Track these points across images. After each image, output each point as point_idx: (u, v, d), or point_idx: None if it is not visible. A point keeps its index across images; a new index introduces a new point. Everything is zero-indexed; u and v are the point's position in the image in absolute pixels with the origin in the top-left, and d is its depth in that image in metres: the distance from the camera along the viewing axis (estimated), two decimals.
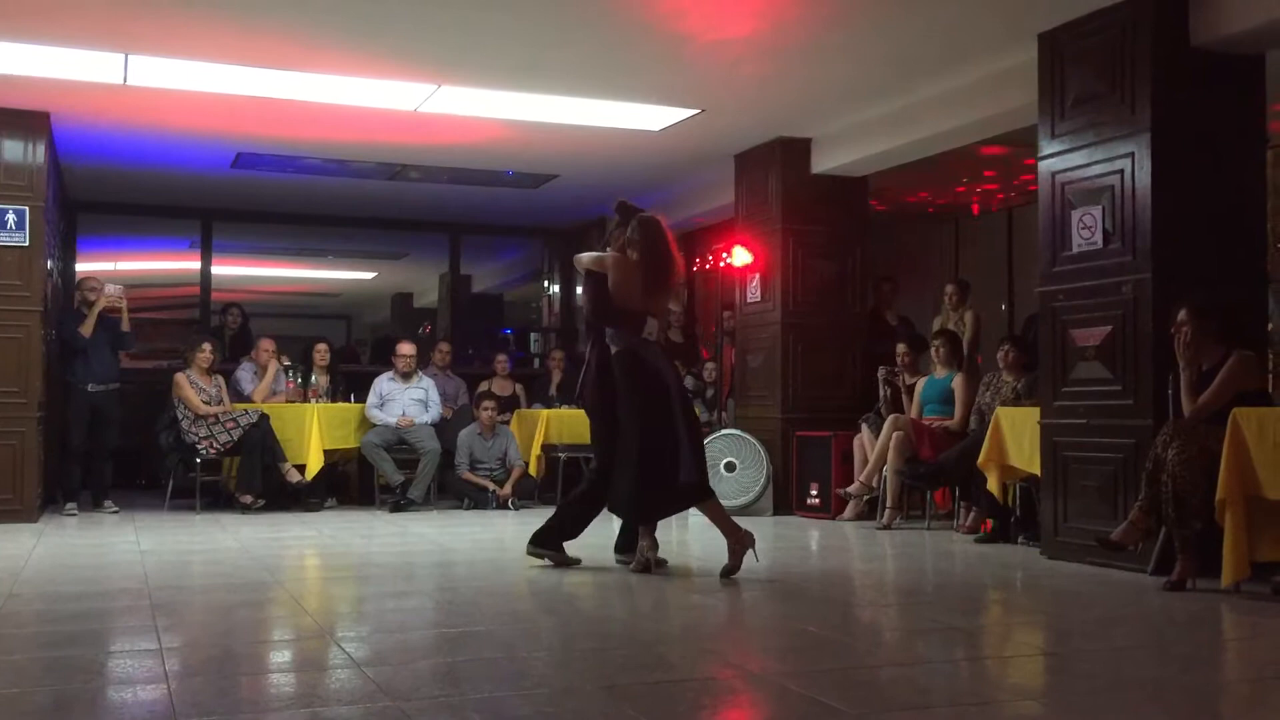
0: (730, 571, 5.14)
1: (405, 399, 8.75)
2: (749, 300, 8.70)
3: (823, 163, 8.31)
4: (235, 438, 8.10)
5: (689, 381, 9.87)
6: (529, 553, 5.51)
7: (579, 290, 11.89)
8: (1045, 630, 4.34)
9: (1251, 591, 4.61)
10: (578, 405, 5.84)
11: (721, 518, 5.23)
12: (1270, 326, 6.09)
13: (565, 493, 8.70)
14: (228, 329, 10.45)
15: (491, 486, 8.46)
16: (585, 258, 5.51)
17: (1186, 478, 4.68)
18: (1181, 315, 4.95)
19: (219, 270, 12.02)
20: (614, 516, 5.73)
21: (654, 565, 5.30)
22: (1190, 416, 4.87)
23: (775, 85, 7.14)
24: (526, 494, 8.62)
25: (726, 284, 9.73)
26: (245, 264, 14.24)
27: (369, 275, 15.99)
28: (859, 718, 2.82)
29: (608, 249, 5.49)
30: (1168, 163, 5.32)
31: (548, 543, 5.49)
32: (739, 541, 5.19)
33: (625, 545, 5.55)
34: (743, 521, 5.71)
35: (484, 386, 9.54)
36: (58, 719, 2.86)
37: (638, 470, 5.14)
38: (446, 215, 11.65)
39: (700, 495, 5.26)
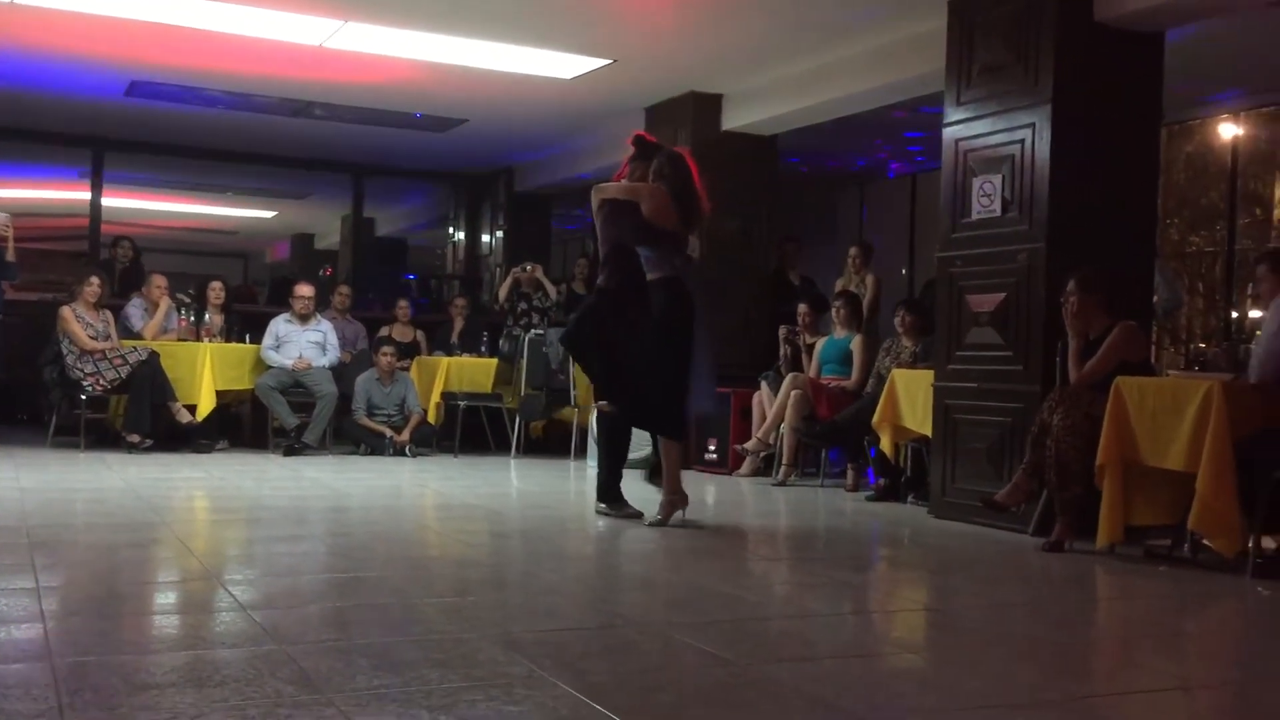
0: (657, 524, 5.20)
1: (302, 341, 8.58)
2: None
3: (733, 119, 8.32)
4: (123, 375, 7.87)
5: None
6: (598, 511, 5.54)
7: (500, 234, 11.77)
8: (929, 587, 4.46)
9: (1125, 554, 4.79)
10: (565, 342, 5.74)
11: (675, 472, 5.29)
12: (1155, 299, 6.29)
13: (464, 441, 8.67)
14: (118, 263, 10.12)
15: (389, 433, 8.37)
16: (612, 187, 5.45)
17: (1070, 443, 4.83)
18: (1070, 286, 5.08)
19: (110, 202, 11.64)
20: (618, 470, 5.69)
21: (674, 516, 5.31)
22: (1075, 384, 5.02)
23: (689, 39, 7.11)
24: (424, 441, 8.55)
25: None
26: (139, 197, 13.79)
27: (269, 214, 15.61)
28: (746, 668, 2.87)
29: (624, 181, 5.45)
30: (1066, 135, 5.44)
31: (609, 498, 5.52)
32: (677, 501, 5.26)
33: (609, 496, 5.55)
34: (641, 474, 5.76)
35: (384, 332, 9.41)
36: None
37: (678, 388, 5.18)
38: (351, 156, 11.42)
39: (683, 432, 5.39)
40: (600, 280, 5.49)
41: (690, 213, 5.31)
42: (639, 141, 5.54)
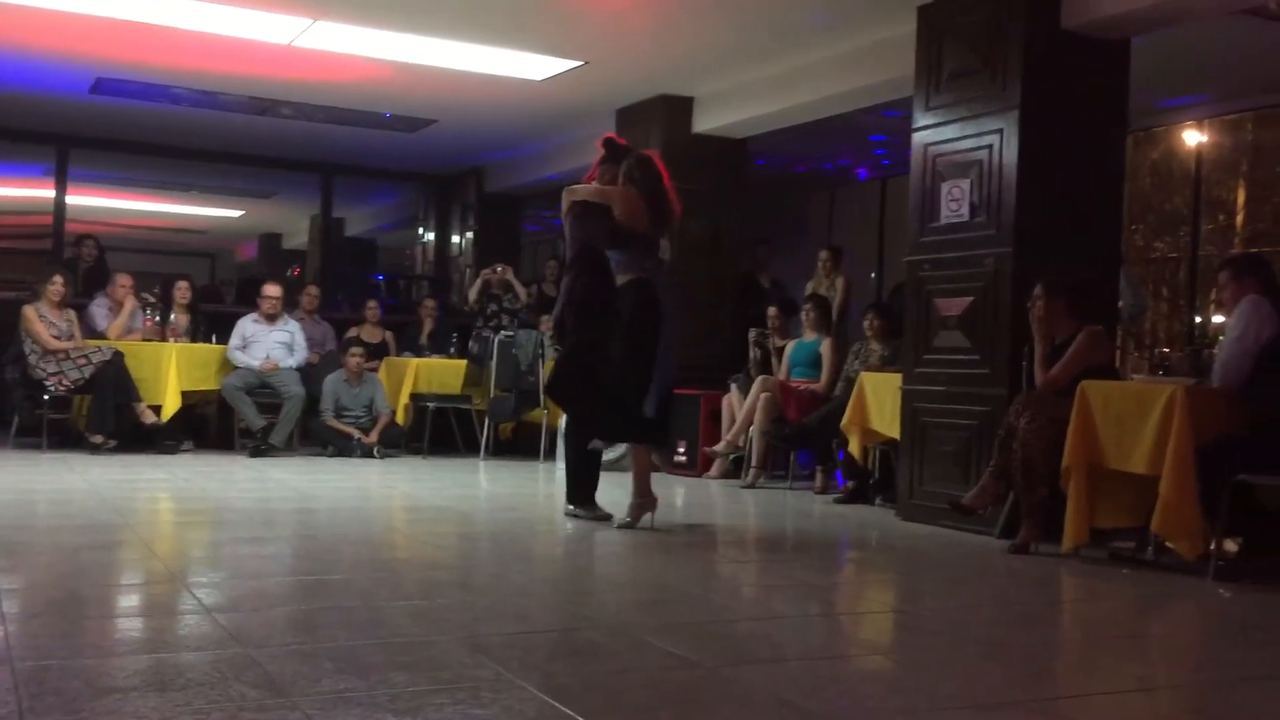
0: (626, 526, 5.20)
1: (269, 342, 8.52)
2: None
3: (704, 122, 8.34)
4: (87, 375, 7.78)
5: None
6: (566, 513, 5.50)
7: (469, 235, 11.74)
8: (896, 589, 4.49)
9: (1089, 556, 4.84)
10: (554, 341, 5.72)
11: (644, 474, 5.28)
12: (1121, 304, 6.35)
13: (432, 443, 8.63)
14: (82, 262, 10.01)
15: (357, 434, 8.32)
16: (583, 189, 5.44)
17: (1036, 446, 4.87)
18: (1036, 291, 5.13)
19: (75, 200, 11.51)
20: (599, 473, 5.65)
21: (643, 519, 5.29)
22: (1041, 388, 5.06)
23: (660, 42, 7.12)
24: (393, 443, 8.51)
25: None
26: (104, 195, 13.64)
27: (236, 213, 15.49)
28: (714, 670, 2.88)
29: (594, 183, 5.44)
30: (1034, 141, 5.48)
31: (580, 500, 5.48)
32: (646, 503, 5.25)
33: (578, 497, 5.51)
34: (611, 476, 5.76)
35: (353, 333, 9.36)
36: None
37: (631, 395, 5.16)
38: (319, 155, 11.35)
39: (658, 437, 5.42)
40: (565, 283, 5.47)
41: (661, 215, 5.31)
42: (609, 144, 5.54)
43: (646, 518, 5.26)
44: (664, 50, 7.31)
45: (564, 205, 5.47)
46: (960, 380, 5.71)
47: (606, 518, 5.38)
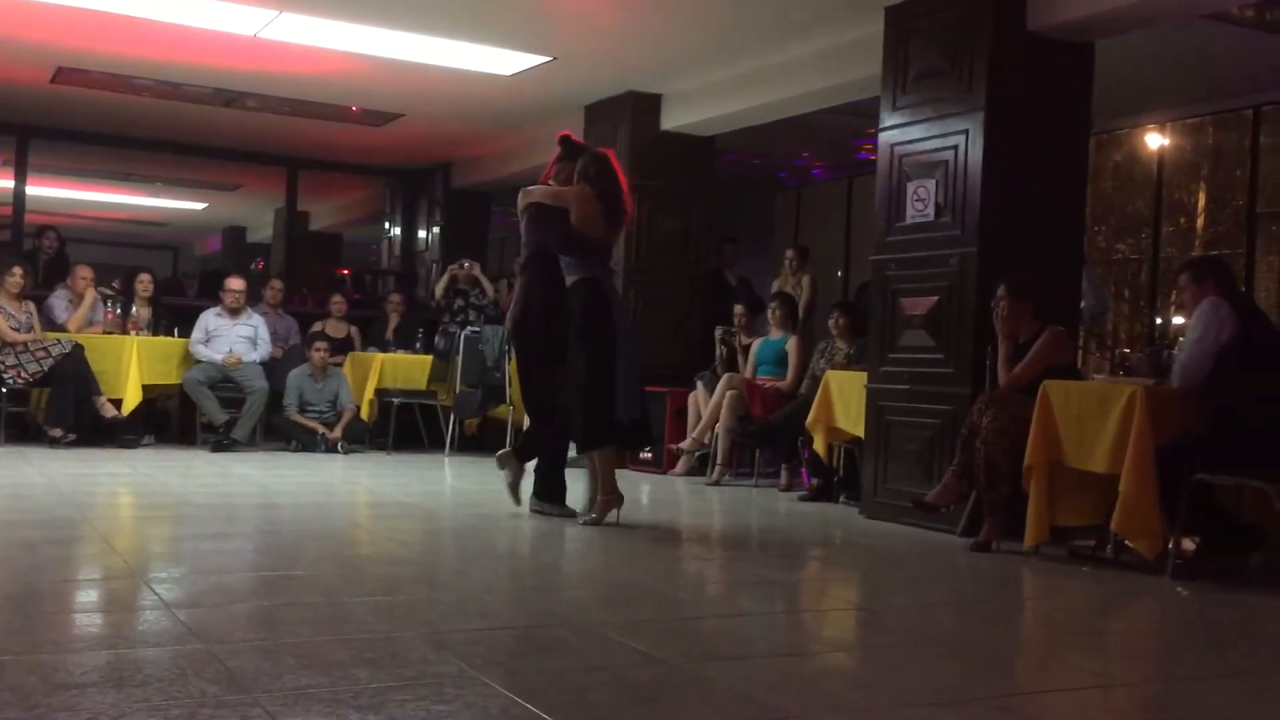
0: (591, 523, 5.18)
1: (233, 336, 8.45)
2: None
3: (672, 120, 8.34)
4: (46, 368, 7.69)
5: None
6: (533, 509, 5.45)
7: (436, 230, 11.68)
8: (860, 586, 4.51)
9: (1050, 554, 4.88)
10: (512, 342, 5.69)
11: (609, 471, 5.26)
12: (1083, 304, 6.41)
13: (397, 439, 8.59)
14: (42, 253, 9.88)
15: (321, 429, 8.27)
16: (538, 190, 5.40)
17: (998, 445, 4.90)
18: (1000, 291, 5.17)
19: (35, 191, 11.34)
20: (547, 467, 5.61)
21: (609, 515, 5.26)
22: (1004, 387, 5.10)
23: (628, 38, 7.11)
24: (357, 438, 8.46)
25: None
26: (65, 186, 13.46)
27: (200, 205, 15.33)
28: (678, 667, 2.88)
29: (551, 184, 5.42)
30: (999, 142, 5.52)
31: (546, 496, 5.44)
32: (612, 500, 5.23)
33: (546, 493, 5.48)
34: (577, 472, 5.74)
35: (318, 327, 9.30)
36: None
37: (587, 399, 5.14)
38: (285, 148, 11.25)
39: (641, 438, 5.47)
40: (520, 284, 5.45)
41: (615, 216, 5.28)
42: (565, 142, 5.52)
43: (612, 514, 5.26)
44: (633, 47, 7.30)
45: (520, 204, 5.45)
46: (924, 379, 5.74)
47: (571, 514, 5.38)
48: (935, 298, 5.71)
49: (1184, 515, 4.43)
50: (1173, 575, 4.42)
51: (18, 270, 7.95)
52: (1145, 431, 4.40)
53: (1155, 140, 8.82)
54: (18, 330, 7.76)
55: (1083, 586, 4.46)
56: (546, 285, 5.30)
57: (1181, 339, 5.06)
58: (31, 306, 8.02)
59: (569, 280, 5.25)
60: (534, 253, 5.37)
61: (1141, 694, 3.02)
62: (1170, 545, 4.47)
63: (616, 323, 5.21)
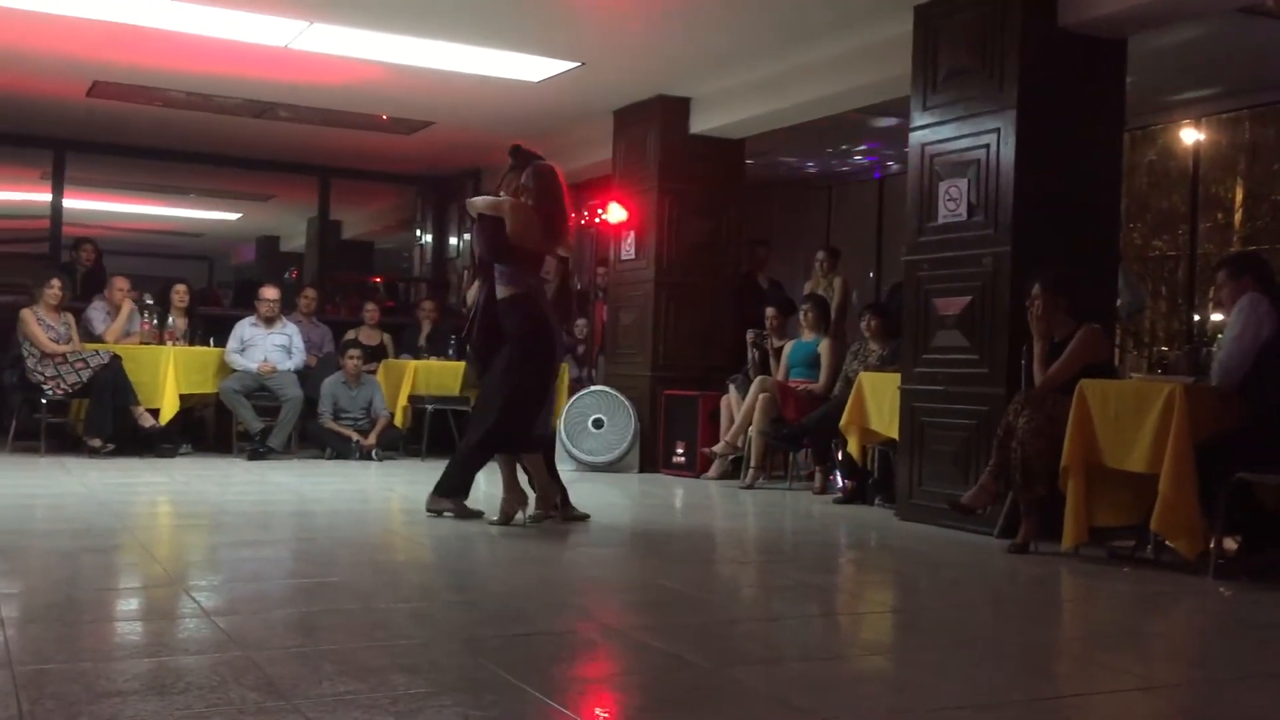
0: (498, 523, 5.23)
1: (267, 344, 8.51)
2: (623, 258, 8.70)
3: (701, 123, 8.33)
4: (84, 379, 7.78)
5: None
6: (429, 506, 5.43)
7: (466, 236, 11.72)
8: (895, 589, 4.49)
9: (1089, 555, 4.83)
10: (465, 348, 5.75)
11: (540, 469, 5.33)
12: (1119, 302, 6.35)
13: (431, 445, 8.62)
14: (80, 265, 10.00)
15: (355, 437, 8.32)
16: (480, 201, 5.42)
17: (1035, 445, 4.86)
18: (1034, 289, 5.12)
19: (72, 204, 11.48)
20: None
21: (516, 517, 5.28)
22: (1040, 387, 5.06)
23: (657, 43, 7.11)
24: (391, 445, 8.50)
25: (601, 240, 9.71)
26: (101, 198, 13.62)
27: (234, 216, 15.47)
28: (713, 671, 2.87)
29: (501, 193, 5.42)
30: (1031, 140, 5.48)
31: (450, 493, 5.41)
32: (544, 503, 5.31)
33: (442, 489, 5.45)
34: (609, 478, 5.76)
35: (351, 335, 9.36)
36: None
37: (504, 407, 5.13)
38: (317, 158, 11.33)
39: (547, 446, 5.42)
40: (477, 296, 5.44)
41: (556, 225, 5.27)
42: (515, 151, 5.50)
43: (519, 516, 5.30)
44: (661, 51, 7.30)
45: (470, 214, 5.47)
46: (959, 380, 5.71)
47: (477, 515, 5.39)
48: (969, 297, 5.67)
49: (1224, 514, 4.38)
50: (1214, 575, 4.37)
51: (56, 282, 8.05)
52: (1184, 430, 4.35)
53: (1190, 135, 8.72)
54: (57, 342, 7.86)
55: (1123, 587, 4.42)
56: (489, 296, 5.31)
57: (1220, 336, 5.00)
58: (70, 318, 8.12)
59: (503, 293, 5.22)
60: (481, 263, 5.40)
61: (1184, 696, 2.98)
62: (1211, 545, 4.42)
63: (554, 340, 5.23)
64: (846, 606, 4.16)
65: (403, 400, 8.63)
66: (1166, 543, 4.59)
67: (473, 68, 7.61)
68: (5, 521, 4.96)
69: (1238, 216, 8.76)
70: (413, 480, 7.22)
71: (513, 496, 5.29)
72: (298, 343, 8.71)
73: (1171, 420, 4.37)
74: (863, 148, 10.26)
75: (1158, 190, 9.09)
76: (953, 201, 5.77)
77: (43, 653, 2.82)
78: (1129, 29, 5.59)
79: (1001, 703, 2.71)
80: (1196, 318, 8.72)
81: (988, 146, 5.59)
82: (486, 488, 5.76)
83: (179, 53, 7.49)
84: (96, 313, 8.53)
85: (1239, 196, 8.73)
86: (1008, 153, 5.49)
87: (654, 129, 8.37)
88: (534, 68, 7.61)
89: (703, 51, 7.29)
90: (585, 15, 6.58)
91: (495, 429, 5.20)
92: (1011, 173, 5.47)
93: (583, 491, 5.40)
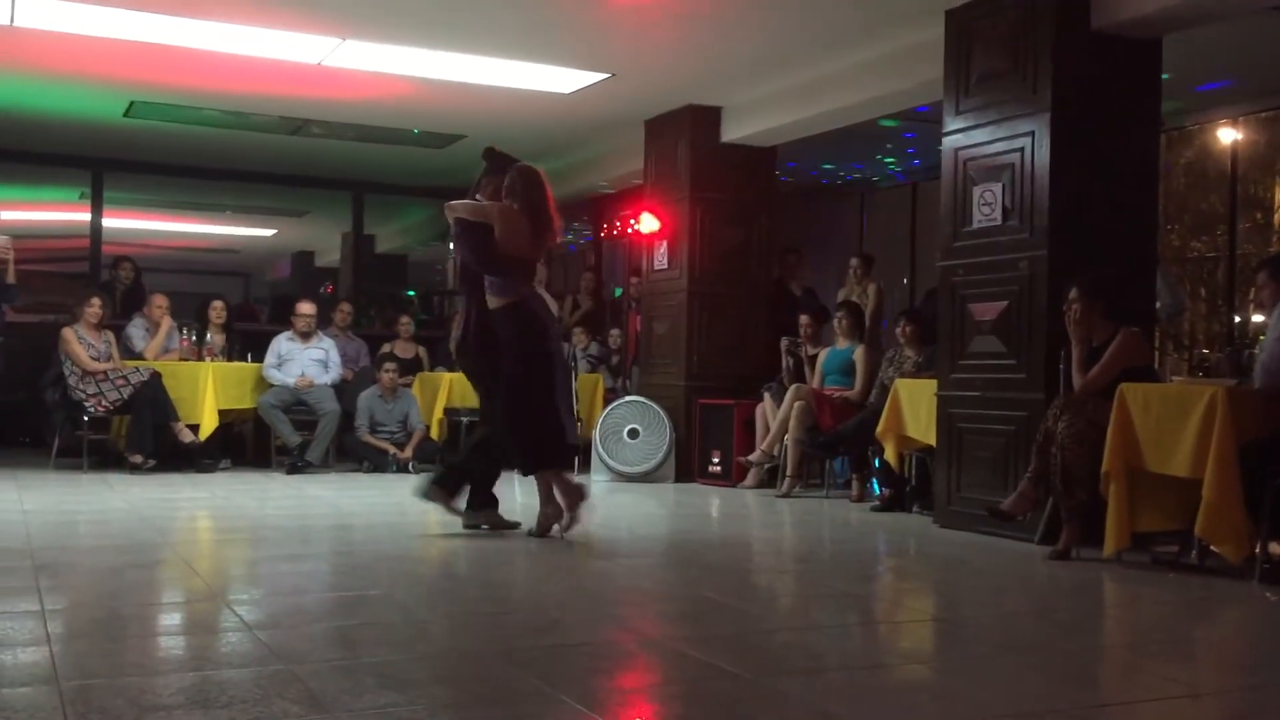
0: (539, 534, 5.20)
1: (304, 359, 8.58)
2: (656, 267, 8.71)
3: (732, 131, 8.33)
4: (125, 395, 7.87)
5: (594, 348, 9.88)
6: (416, 493, 5.35)
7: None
8: (936, 596, 4.45)
9: (1131, 561, 4.78)
10: (459, 363, 5.61)
11: (564, 483, 5.20)
12: (1158, 304, 6.29)
13: None
14: (119, 283, 10.12)
15: (392, 450, 8.36)
16: (461, 206, 5.24)
17: (1075, 450, 4.81)
18: (1072, 293, 5.08)
19: (110, 223, 11.65)
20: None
21: (553, 529, 5.25)
22: (1079, 391, 5.01)
23: (687, 52, 7.12)
24: (427, 457, 8.52)
25: (634, 250, 9.72)
26: (139, 217, 13.81)
27: (269, 232, 15.63)
28: (754, 681, 2.86)
29: (478, 197, 5.31)
30: (1066, 143, 5.43)
31: (438, 491, 5.31)
32: (558, 511, 5.21)
33: (473, 504, 5.41)
34: (645, 487, 5.75)
35: (386, 348, 9.41)
36: None
37: (519, 426, 5.05)
38: (350, 173, 11.44)
39: (571, 460, 5.31)
40: (463, 305, 5.36)
41: (544, 228, 5.12)
42: (490, 154, 5.37)
43: (556, 527, 5.25)
44: (691, 61, 7.31)
45: (449, 220, 5.29)
46: (996, 385, 5.66)
47: (457, 512, 5.32)
48: (1005, 302, 5.63)
49: (1270, 518, 4.32)
50: (1260, 580, 4.31)
51: (96, 301, 8.15)
52: (1227, 433, 4.29)
53: (1228, 135, 8.62)
54: (97, 360, 7.96)
55: (1167, 593, 4.36)
56: (477, 307, 5.17)
57: (1262, 338, 4.93)
58: (110, 336, 8.22)
59: (495, 303, 5.07)
60: (461, 272, 5.25)
61: (1233, 703, 2.94)
62: (1256, 549, 4.36)
63: (552, 347, 5.09)
64: (886, 615, 4.14)
65: (438, 413, 8.67)
66: (1211, 548, 4.52)
67: (504, 81, 7.66)
68: (50, 538, 5.03)
69: (1277, 216, 8.65)
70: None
71: (550, 509, 5.27)
72: (334, 357, 8.77)
73: (1214, 423, 4.32)
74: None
75: (1196, 191, 8.99)
76: (987, 206, 5.73)
77: (88, 668, 2.85)
78: (1163, 29, 5.54)
79: (1046, 711, 2.68)
80: (1237, 319, 8.61)
81: (1022, 150, 5.55)
82: (524, 498, 5.77)
83: (214, 72, 7.58)
84: (136, 330, 8.63)
85: (1278, 196, 8.62)
86: (1042, 156, 5.45)
87: (685, 138, 8.38)
88: (565, 79, 7.64)
89: (733, 60, 7.29)
90: (615, 26, 6.60)
91: (521, 455, 5.12)
92: (1047, 176, 5.43)
93: (619, 502, 5.40)
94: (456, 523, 5.45)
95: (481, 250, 5.07)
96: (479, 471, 5.38)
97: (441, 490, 5.31)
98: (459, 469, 5.39)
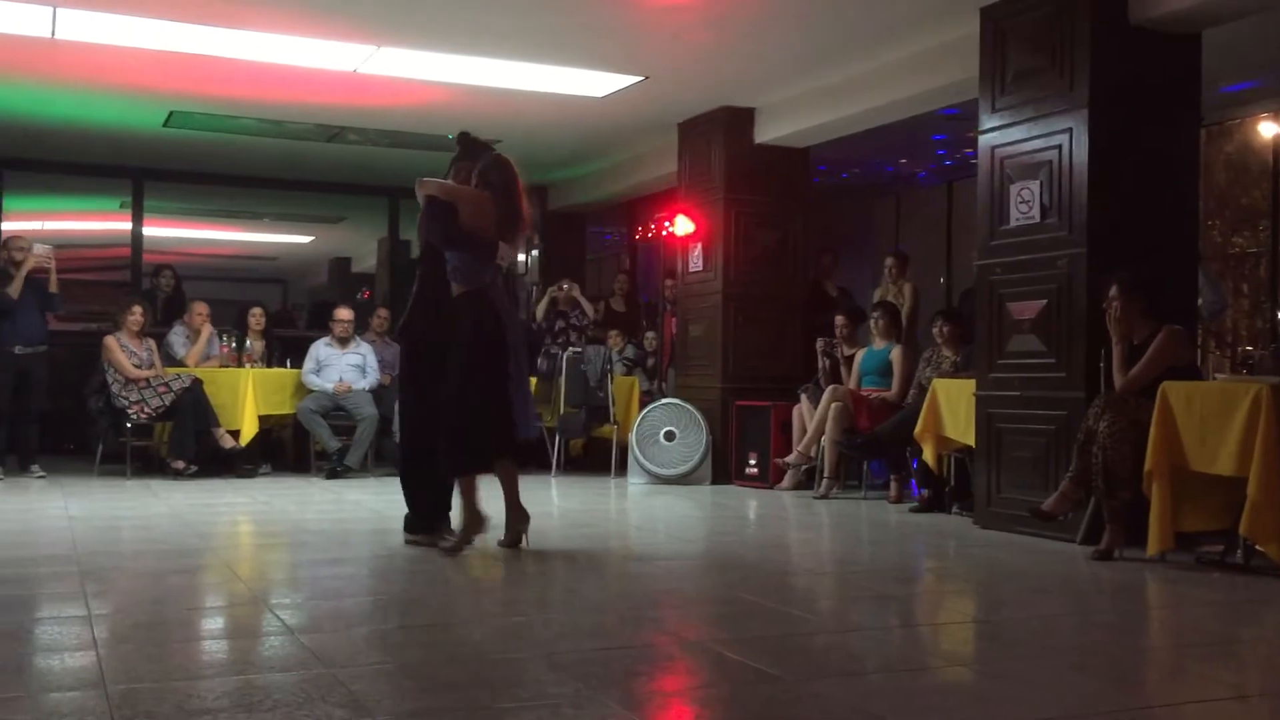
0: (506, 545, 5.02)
1: (343, 365, 8.64)
2: (691, 269, 8.71)
3: (766, 133, 8.32)
4: (167, 402, 7.96)
5: (630, 350, 9.89)
6: (407, 542, 5.12)
7: (535, 253, 11.82)
8: (977, 598, 4.42)
9: (1176, 561, 4.72)
10: (400, 344, 5.34)
11: (513, 490, 5.02)
12: (1200, 302, 6.21)
13: None
14: (160, 291, 10.25)
15: None
16: (433, 183, 5.13)
17: (1116, 449, 4.77)
18: (1112, 291, 5.02)
19: (151, 231, 11.78)
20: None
21: (470, 542, 4.94)
22: (1121, 389, 4.96)
23: (720, 54, 7.11)
24: None
25: (669, 253, 9.72)
26: (178, 225, 13.96)
27: (306, 239, 15.76)
28: (794, 684, 2.85)
29: (450, 179, 5.23)
30: (1104, 139, 5.39)
31: (413, 537, 5.12)
32: (467, 530, 4.92)
33: (415, 525, 5.15)
34: (682, 490, 5.74)
35: None
36: None
37: (461, 422, 4.81)
38: (385, 179, 11.49)
39: (517, 453, 5.05)
40: (416, 283, 5.17)
41: (510, 223, 5.01)
42: (463, 140, 5.29)
43: (525, 537, 5.04)
44: (724, 63, 7.30)
45: (418, 196, 5.13)
46: (1036, 384, 5.61)
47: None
48: (1044, 301, 5.58)
49: None
50: None
51: (137, 309, 8.26)
52: (1273, 431, 4.24)
53: (1270, 129, 8.50)
54: (139, 367, 8.06)
55: (1212, 594, 4.30)
56: (435, 285, 4.99)
57: None
58: (152, 343, 8.32)
59: (456, 290, 4.91)
60: (423, 251, 5.12)
61: None
62: None
63: (508, 339, 4.89)
64: (927, 617, 4.11)
65: None
66: (1256, 547, 4.46)
67: (537, 85, 7.68)
68: (95, 544, 5.09)
69: None
70: (485, 496, 7.25)
71: (518, 514, 5.05)
72: (372, 362, 8.83)
73: (1259, 421, 4.27)
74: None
75: (1237, 186, 8.87)
76: (1025, 204, 5.69)
77: (133, 672, 2.88)
78: (1201, 23, 5.48)
79: (1090, 714, 2.65)
80: None
81: (1059, 147, 5.51)
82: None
83: (252, 81, 7.66)
84: (177, 337, 8.73)
85: None
86: (1080, 153, 5.40)
87: (719, 140, 8.37)
88: (598, 83, 7.66)
89: (766, 61, 7.28)
90: (648, 29, 6.61)
91: (452, 449, 4.83)
92: (1085, 173, 5.38)
93: (656, 504, 5.39)
94: (494, 526, 5.45)
95: (447, 228, 4.93)
96: (428, 495, 5.12)
97: (414, 534, 5.11)
98: (417, 510, 5.16)
